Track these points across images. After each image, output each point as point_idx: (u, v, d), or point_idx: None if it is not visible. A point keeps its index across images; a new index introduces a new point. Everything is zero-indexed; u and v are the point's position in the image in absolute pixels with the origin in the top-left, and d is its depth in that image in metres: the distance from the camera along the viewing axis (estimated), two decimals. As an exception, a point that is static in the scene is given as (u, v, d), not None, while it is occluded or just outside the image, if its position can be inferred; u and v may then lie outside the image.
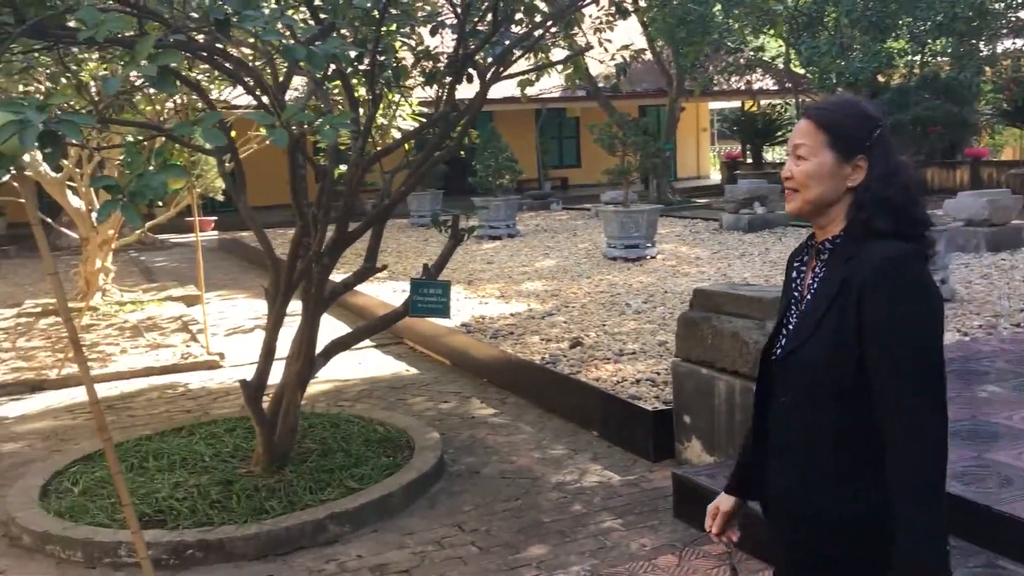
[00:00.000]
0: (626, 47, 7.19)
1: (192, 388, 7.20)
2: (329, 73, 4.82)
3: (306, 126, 3.90)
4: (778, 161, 27.75)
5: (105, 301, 10.64)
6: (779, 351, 2.01)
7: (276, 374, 5.03)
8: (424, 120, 6.83)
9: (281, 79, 4.63)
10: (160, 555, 4.02)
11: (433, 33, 5.25)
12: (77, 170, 10.20)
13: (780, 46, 21.73)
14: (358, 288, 6.70)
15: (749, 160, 26.29)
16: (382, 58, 5.09)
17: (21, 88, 6.71)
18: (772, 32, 19.86)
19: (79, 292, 11.18)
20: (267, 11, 3.65)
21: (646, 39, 19.64)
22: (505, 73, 5.38)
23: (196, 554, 4.08)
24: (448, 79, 5.47)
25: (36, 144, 2.28)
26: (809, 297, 1.97)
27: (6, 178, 7.13)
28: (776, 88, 24.48)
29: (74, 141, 2.27)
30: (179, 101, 6.91)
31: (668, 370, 5.93)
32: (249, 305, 11.08)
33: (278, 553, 4.13)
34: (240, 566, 4.04)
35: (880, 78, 17.62)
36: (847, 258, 1.90)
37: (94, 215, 10.43)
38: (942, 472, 1.79)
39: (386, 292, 9.95)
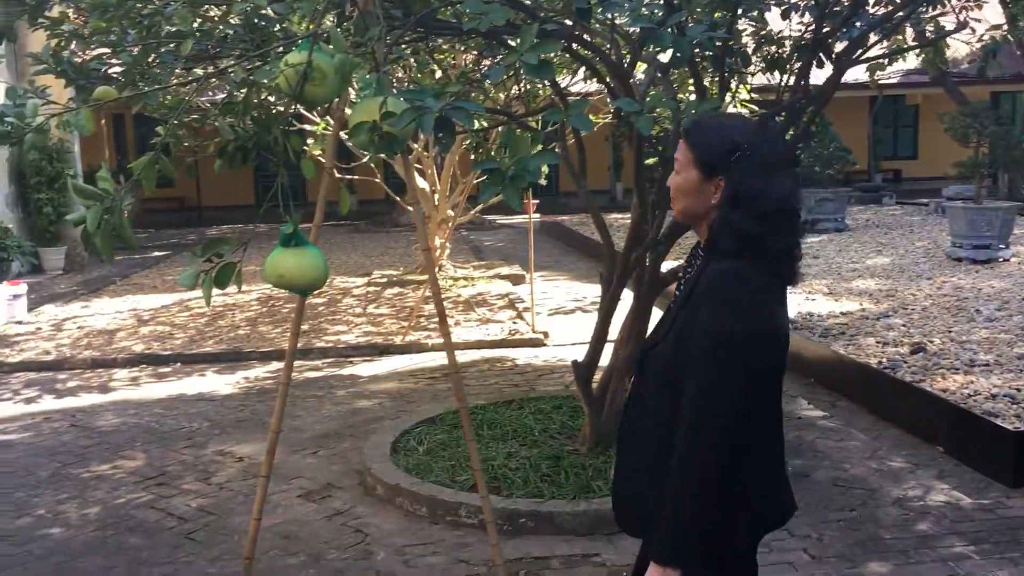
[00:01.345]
0: (997, 27, 6.51)
1: (519, 363, 7.54)
2: (676, 59, 4.79)
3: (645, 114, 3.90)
4: None
5: (441, 276, 11.44)
6: (640, 357, 2.20)
7: (603, 357, 5.11)
8: (758, 108, 6.63)
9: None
10: (495, 520, 4.23)
11: (785, 16, 5.04)
12: (425, 153, 11.02)
13: None
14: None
15: None
16: (731, 43, 4.97)
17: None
18: None
19: (418, 266, 12.13)
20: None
21: (1006, 18, 17.68)
22: (863, 57, 5.05)
23: (528, 523, 4.26)
24: (798, 64, 5.25)
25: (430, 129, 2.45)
26: (675, 305, 2.14)
27: (366, 158, 7.69)
28: None
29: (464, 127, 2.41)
30: (522, 88, 7.21)
31: (1032, 387, 5.33)
32: (569, 287, 11.42)
33: (603, 532, 4.20)
34: (568, 540, 4.16)
35: None
36: (705, 267, 2.05)
37: (435, 196, 11.26)
38: (707, 476, 1.93)
39: (706, 282, 9.81)
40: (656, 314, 6.04)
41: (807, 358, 6.78)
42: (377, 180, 11.06)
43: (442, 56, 6.99)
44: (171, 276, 13.00)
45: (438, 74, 7.61)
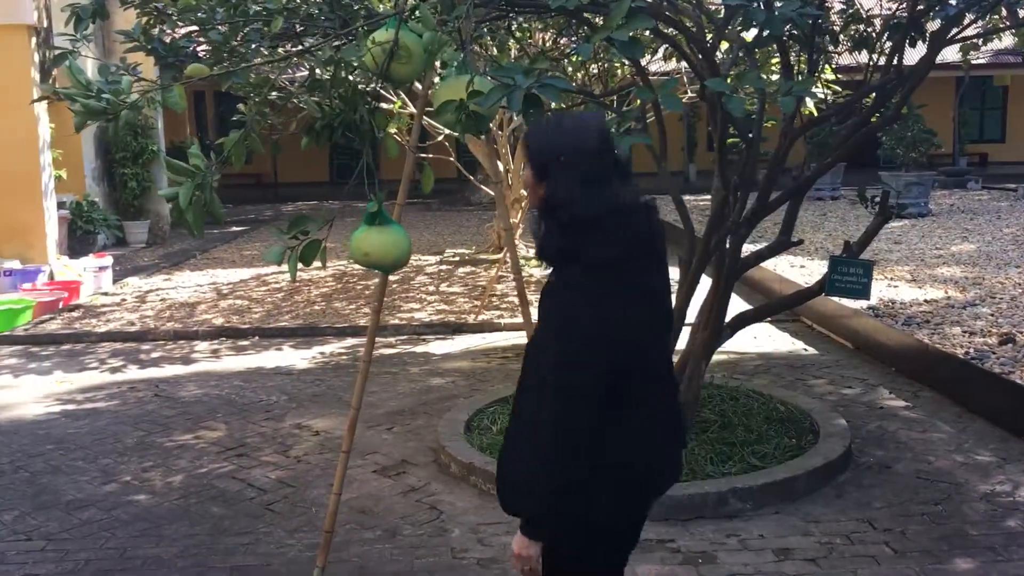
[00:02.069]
0: (1101, 4, 6.21)
1: (591, 345, 7.49)
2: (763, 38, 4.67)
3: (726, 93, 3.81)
4: None
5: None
6: None
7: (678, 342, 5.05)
8: (841, 88, 6.44)
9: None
10: (569, 501, 4.22)
11: (876, -7, 4.88)
12: (499, 132, 11.00)
13: None
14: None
15: None
16: (819, 21, 4.83)
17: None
18: None
19: (490, 246, 12.16)
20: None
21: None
22: (959, 36, 4.87)
23: (602, 506, 4.23)
24: (887, 43, 5.08)
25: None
26: None
27: (440, 136, 7.74)
28: None
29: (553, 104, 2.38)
30: (600, 67, 7.15)
31: None
32: (642, 269, 11.30)
33: (679, 518, 4.16)
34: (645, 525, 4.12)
35: None
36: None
37: (508, 176, 11.23)
38: (550, 466, 2.09)
39: (782, 266, 9.63)
40: (735, 299, 5.96)
41: (888, 346, 6.61)
42: (450, 159, 11.08)
43: (520, 34, 6.96)
44: (249, 251, 13.26)
45: (514, 52, 7.59)
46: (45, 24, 10.58)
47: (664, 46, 6.41)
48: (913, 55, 4.96)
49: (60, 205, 11.33)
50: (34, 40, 10.09)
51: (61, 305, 9.21)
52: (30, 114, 9.96)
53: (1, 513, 4.41)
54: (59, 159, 11.39)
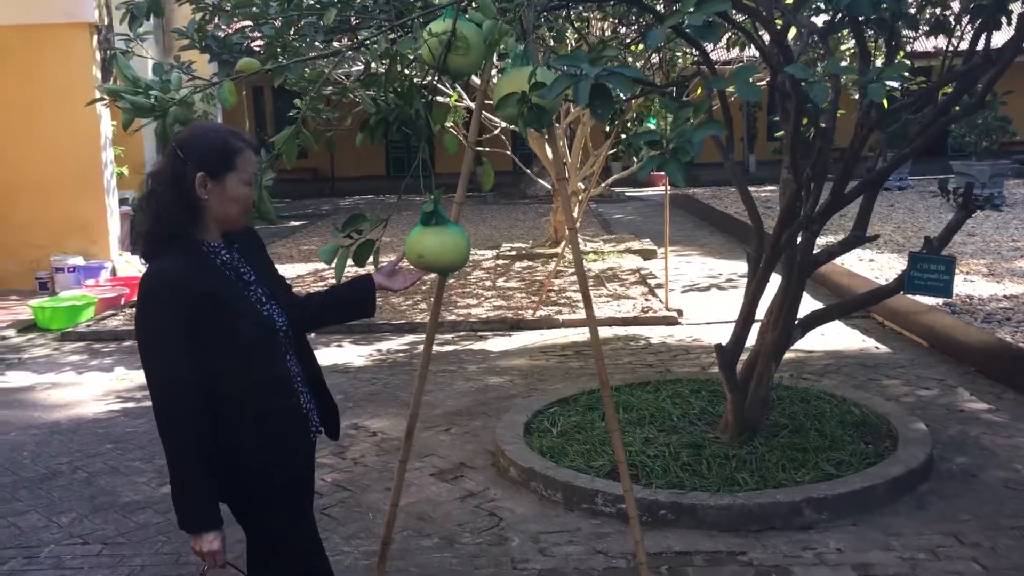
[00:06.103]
0: None
1: (653, 343, 7.31)
2: (836, 22, 4.44)
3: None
4: None
5: (570, 250, 11.26)
6: (282, 324, 2.55)
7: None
8: (909, 75, 6.15)
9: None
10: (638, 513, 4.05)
11: (958, -26, 4.61)
12: (556, 124, 10.82)
13: None
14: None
15: None
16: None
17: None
18: None
19: (547, 240, 11.99)
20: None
21: None
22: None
23: (668, 515, 4.06)
24: (969, 27, 4.80)
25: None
26: (255, 280, 2.56)
27: (497, 130, 7.60)
28: None
29: (623, 95, 2.22)
30: (662, 56, 6.94)
31: None
32: (703, 263, 11.06)
33: (750, 529, 3.97)
34: (711, 535, 3.94)
35: None
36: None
37: (566, 168, 11.05)
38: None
39: (850, 259, 9.31)
40: (806, 298, 5.72)
41: (967, 344, 6.30)
42: (507, 152, 10.94)
43: (579, 24, 6.78)
44: (307, 246, 13.28)
45: (572, 43, 7.41)
46: (106, 22, 10.67)
47: (728, 33, 6.20)
48: (995, 38, 4.68)
49: (122, 201, 11.43)
50: (95, 38, 10.17)
51: (123, 301, 9.29)
52: (92, 112, 10.04)
53: (59, 515, 4.39)
54: (121, 156, 11.50)
